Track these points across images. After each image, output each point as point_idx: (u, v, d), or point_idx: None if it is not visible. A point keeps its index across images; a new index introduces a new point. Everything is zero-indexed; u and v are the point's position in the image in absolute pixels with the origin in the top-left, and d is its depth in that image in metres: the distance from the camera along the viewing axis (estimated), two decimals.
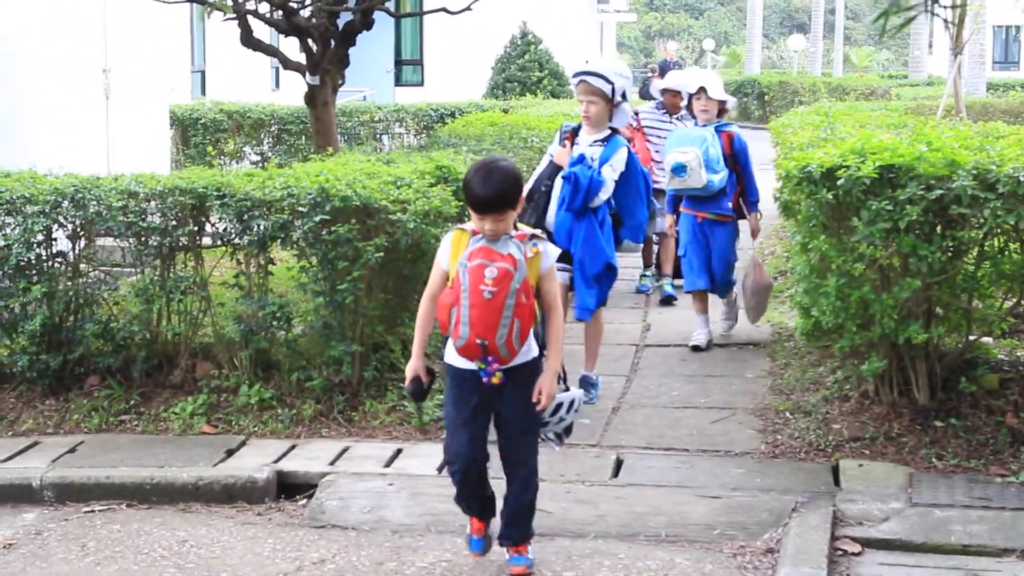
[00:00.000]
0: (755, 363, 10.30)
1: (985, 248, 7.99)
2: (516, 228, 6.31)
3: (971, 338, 8.39)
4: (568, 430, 6.78)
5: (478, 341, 6.16)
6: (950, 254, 7.88)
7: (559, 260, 7.30)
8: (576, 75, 9.07)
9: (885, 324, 7.90)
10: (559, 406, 6.58)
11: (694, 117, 10.90)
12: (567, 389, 6.70)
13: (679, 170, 10.16)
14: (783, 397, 9.19)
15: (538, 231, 6.56)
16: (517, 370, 6.36)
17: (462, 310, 6.16)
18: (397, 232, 8.85)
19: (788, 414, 8.84)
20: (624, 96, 9.03)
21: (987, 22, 35.09)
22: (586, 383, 9.17)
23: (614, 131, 9.11)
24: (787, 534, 6.87)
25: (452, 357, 6.42)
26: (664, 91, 12.80)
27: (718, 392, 9.47)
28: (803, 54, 63.42)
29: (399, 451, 8.36)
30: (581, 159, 8.91)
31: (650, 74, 51.18)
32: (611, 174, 8.92)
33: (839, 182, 7.78)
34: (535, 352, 6.46)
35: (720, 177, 10.41)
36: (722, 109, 10.79)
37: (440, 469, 7.84)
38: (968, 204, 7.48)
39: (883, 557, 6.67)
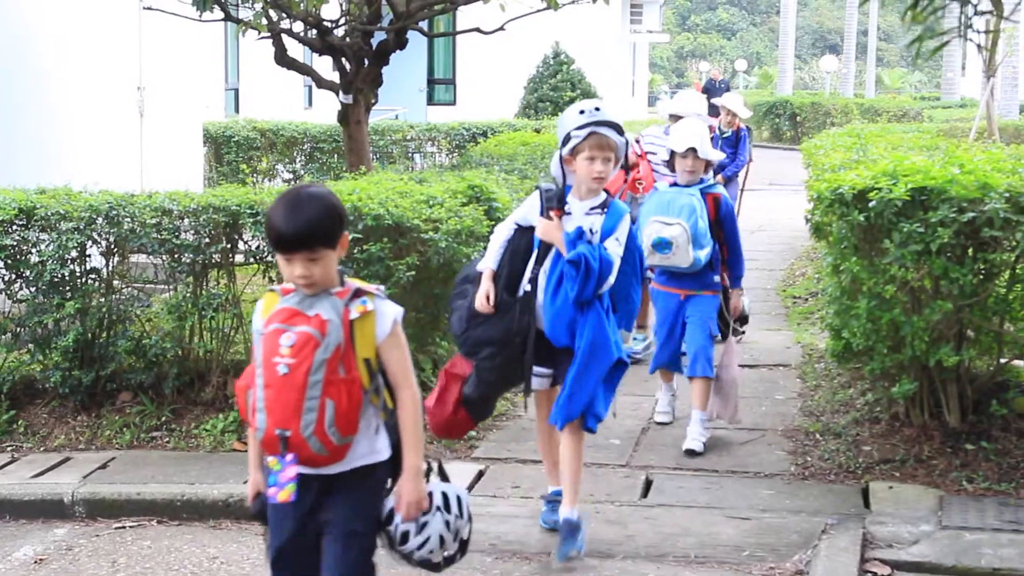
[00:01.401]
0: (785, 384, 10.29)
1: (1017, 271, 7.97)
2: (343, 282, 4.90)
3: (1002, 361, 8.37)
4: (452, 558, 5.27)
5: (277, 432, 4.73)
6: (982, 276, 7.86)
7: (540, 363, 6.96)
8: (586, 126, 6.82)
9: (916, 346, 7.89)
10: (430, 519, 5.12)
11: (672, 171, 9.07)
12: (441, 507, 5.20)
13: (663, 246, 8.57)
14: (813, 419, 9.18)
15: (374, 286, 4.95)
16: (345, 480, 4.92)
17: (257, 391, 4.79)
18: (429, 251, 8.88)
19: (818, 436, 8.83)
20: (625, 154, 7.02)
21: (1020, 45, 34.94)
22: (568, 529, 6.93)
23: (608, 194, 7.04)
24: (816, 556, 6.86)
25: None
26: (672, 115, 11.51)
27: (748, 413, 9.46)
28: (835, 75, 63.36)
29: (428, 469, 8.36)
30: (580, 235, 6.79)
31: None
32: (617, 250, 6.89)
33: (871, 204, 7.78)
34: (382, 454, 4.98)
35: (707, 252, 8.66)
36: (708, 163, 8.95)
37: (470, 488, 7.86)
38: (1000, 227, 7.47)
39: None
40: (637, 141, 11.46)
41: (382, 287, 5.00)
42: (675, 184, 8.90)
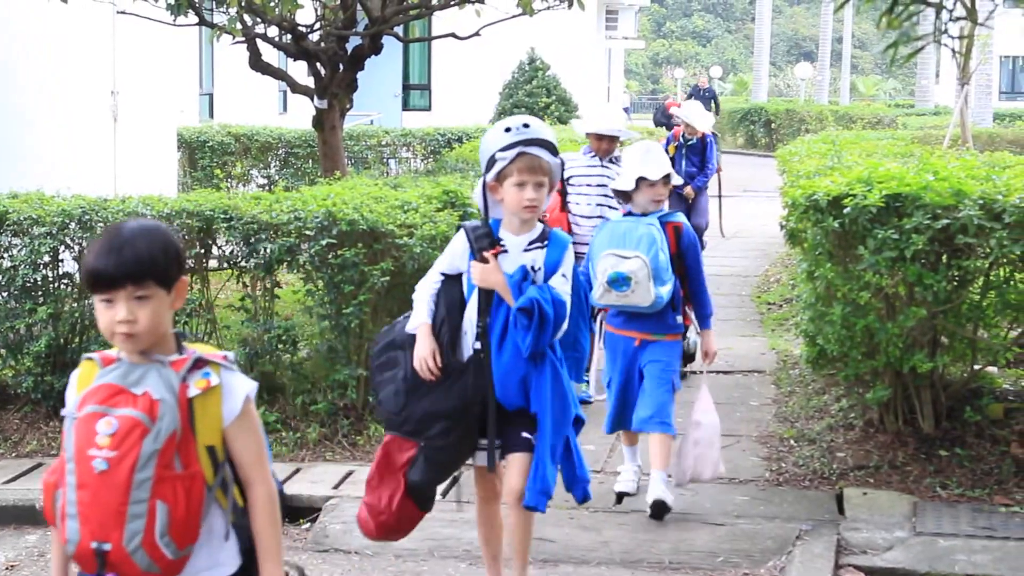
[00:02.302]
0: (760, 391, 10.30)
1: (991, 278, 7.99)
2: (180, 348, 3.83)
3: (976, 367, 8.39)
4: None
5: (94, 545, 3.69)
6: (956, 283, 7.88)
7: (480, 432, 5.87)
8: (514, 145, 5.77)
9: (890, 353, 7.90)
10: None
11: (626, 202, 7.76)
12: None
13: (620, 283, 7.33)
14: (788, 425, 9.19)
15: (220, 353, 3.85)
16: None
17: (67, 492, 3.71)
18: (403, 256, 8.87)
19: (792, 442, 8.84)
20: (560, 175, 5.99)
21: (994, 52, 35.10)
22: None
23: (543, 223, 6.03)
24: (791, 562, 6.86)
25: None
26: (589, 135, 10.09)
27: (723, 419, 9.37)
28: (810, 82, 63.49)
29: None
30: (525, 275, 5.78)
31: (666, 104, 51.24)
32: (567, 287, 5.86)
33: (845, 211, 7.79)
34: (226, 567, 3.87)
35: (668, 289, 7.45)
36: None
37: (444, 494, 7.84)
38: (974, 234, 7.49)
39: None
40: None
41: (231, 354, 3.86)
42: (629, 213, 7.69)
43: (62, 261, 9.40)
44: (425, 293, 5.92)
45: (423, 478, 5.83)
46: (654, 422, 7.50)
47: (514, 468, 5.89)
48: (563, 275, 5.83)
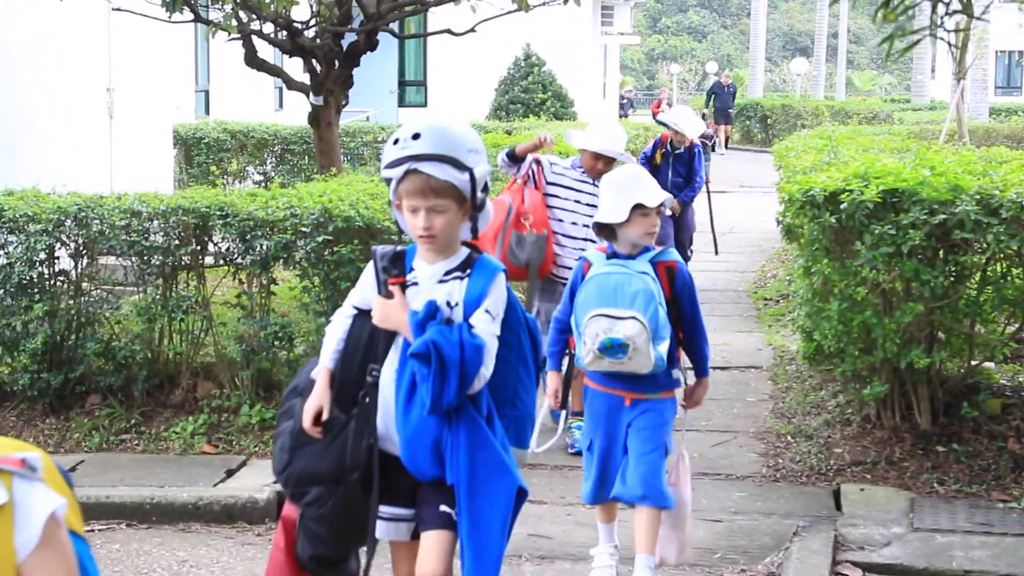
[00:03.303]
0: (756, 386, 10.30)
1: (988, 273, 7.99)
2: None
3: (973, 363, 8.39)
4: None
5: None
6: (953, 279, 7.88)
7: (395, 501, 4.83)
8: (400, 162, 4.65)
9: (887, 348, 7.90)
10: None
11: (608, 238, 6.41)
12: None
13: (616, 350, 6.07)
14: (785, 421, 9.18)
15: (14, 457, 2.58)
16: None
17: None
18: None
19: (790, 438, 8.83)
20: (487, 187, 4.78)
21: (990, 47, 35.11)
22: None
23: (473, 248, 4.86)
24: (788, 558, 6.86)
25: None
26: (585, 152, 8.88)
27: (719, 415, 9.45)
28: (806, 77, 63.50)
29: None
30: (433, 312, 4.66)
31: (652, 105, 51.10)
32: (491, 328, 4.69)
33: (842, 206, 7.78)
34: None
35: (667, 345, 6.16)
36: None
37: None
38: (971, 229, 7.48)
39: None
40: (537, 162, 9.05)
41: (35, 455, 2.62)
42: (614, 255, 6.32)
43: (58, 258, 9.38)
44: (334, 331, 4.96)
45: (304, 552, 4.95)
46: (642, 493, 6.22)
47: (426, 550, 4.77)
48: (487, 311, 4.64)
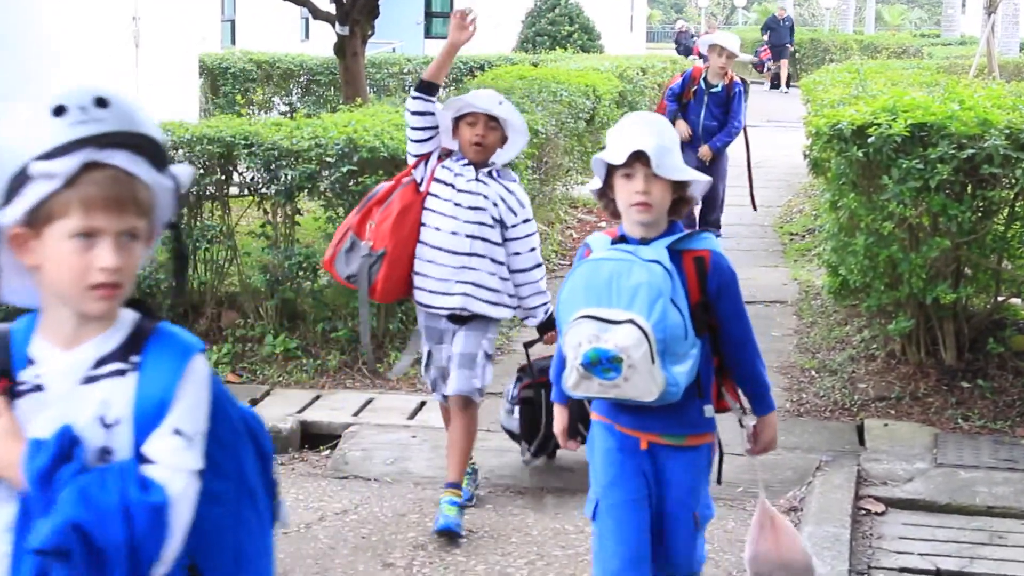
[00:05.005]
0: (781, 321, 10.26)
1: (1016, 208, 7.92)
2: None
3: (1000, 299, 8.34)
4: None
5: None
6: (980, 214, 7.82)
7: None
8: (73, 147, 2.61)
9: (913, 284, 7.85)
10: None
11: (615, 216, 4.67)
12: None
13: (605, 367, 4.34)
14: (809, 355, 9.16)
15: None
16: None
17: None
18: None
19: (814, 372, 8.81)
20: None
21: None
22: None
23: (144, 311, 2.79)
24: (810, 493, 6.85)
25: None
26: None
27: None
28: (835, 11, 62.94)
29: (423, 403, 8.34)
30: (68, 445, 2.60)
31: (685, 31, 50.13)
32: (187, 459, 2.66)
33: (870, 140, 7.72)
34: None
35: (689, 367, 4.43)
36: (684, 200, 4.59)
37: None
38: (1000, 164, 7.42)
39: (907, 517, 6.65)
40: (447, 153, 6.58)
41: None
42: (622, 237, 4.59)
43: None
44: None
45: None
46: None
47: None
48: (178, 432, 2.68)
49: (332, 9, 13.48)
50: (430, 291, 6.47)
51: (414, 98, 6.47)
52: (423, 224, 6.45)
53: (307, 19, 27.34)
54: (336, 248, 6.59)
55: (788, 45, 39.98)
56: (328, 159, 8.83)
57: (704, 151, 12.30)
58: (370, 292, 6.54)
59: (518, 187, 6.56)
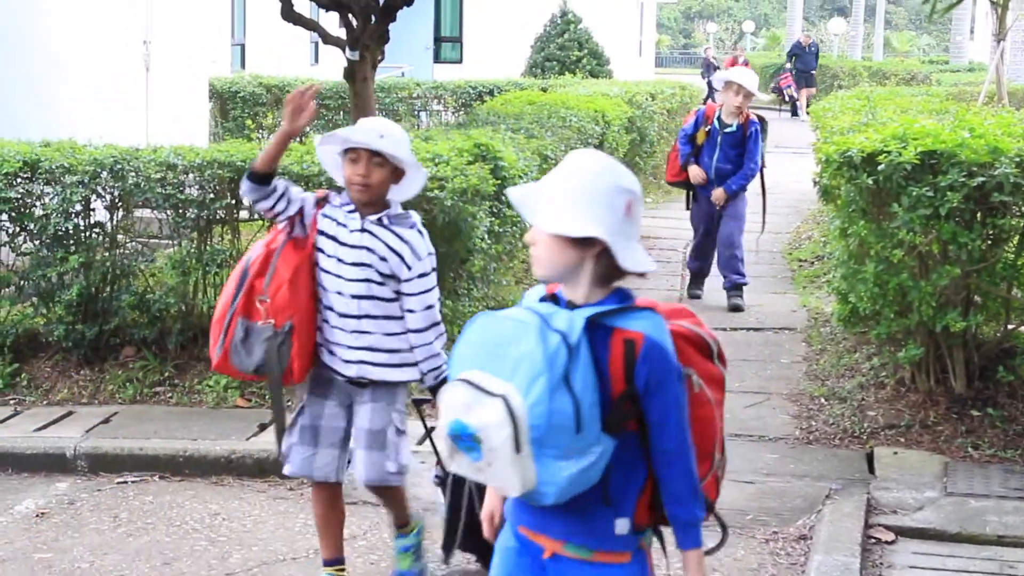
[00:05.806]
0: (791, 348, 10.26)
1: None
2: None
3: (1010, 327, 8.33)
4: None
5: None
6: (990, 242, 7.82)
7: None
8: None
9: (923, 311, 7.85)
10: None
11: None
12: None
13: (466, 443, 3.57)
14: (818, 383, 9.15)
15: None
16: None
17: None
18: (434, 209, 8.83)
19: (823, 400, 8.80)
20: None
21: None
22: None
23: None
24: (820, 521, 6.84)
25: None
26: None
27: (752, 377, 9.43)
28: (843, 38, 63.13)
29: (432, 429, 8.31)
30: None
31: (709, 58, 49.93)
32: None
33: (880, 167, 7.73)
34: None
35: (582, 467, 3.52)
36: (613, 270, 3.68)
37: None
38: (1010, 192, 7.42)
39: (917, 546, 6.63)
40: (324, 200, 5.86)
41: None
42: (553, 297, 3.76)
43: (94, 210, 9.40)
44: None
45: None
46: None
47: None
48: None
49: (342, 34, 13.49)
50: (330, 353, 5.73)
51: (244, 191, 5.69)
52: (316, 282, 5.70)
53: (317, 43, 27.40)
54: (226, 342, 5.84)
55: (813, 72, 39.76)
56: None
57: (718, 194, 11.68)
58: (286, 378, 5.69)
59: (414, 235, 5.68)
